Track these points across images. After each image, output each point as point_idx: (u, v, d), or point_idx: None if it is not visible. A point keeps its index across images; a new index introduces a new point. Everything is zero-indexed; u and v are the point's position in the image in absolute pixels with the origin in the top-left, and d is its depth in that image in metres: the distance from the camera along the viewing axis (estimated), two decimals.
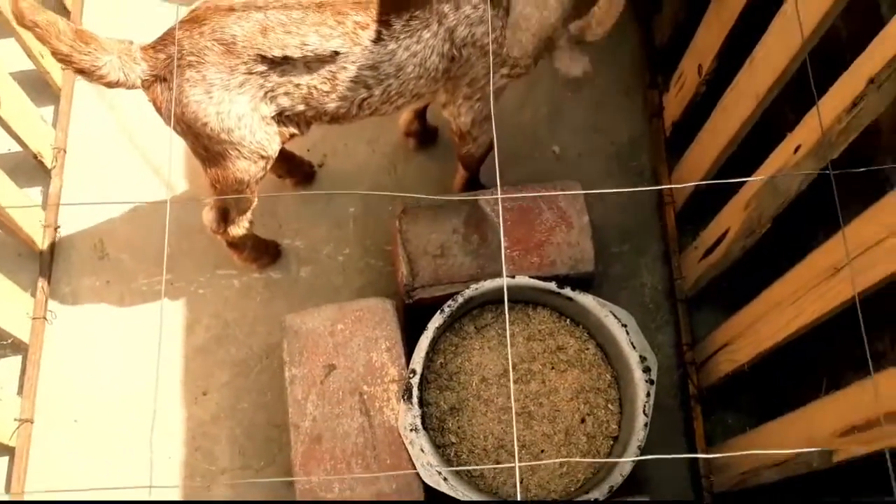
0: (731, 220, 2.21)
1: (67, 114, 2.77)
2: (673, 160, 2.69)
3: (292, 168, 2.67)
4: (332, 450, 2.16)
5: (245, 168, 2.09)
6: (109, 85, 1.90)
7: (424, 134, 2.75)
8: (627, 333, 2.26)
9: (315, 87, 1.99)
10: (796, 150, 1.82)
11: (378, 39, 1.94)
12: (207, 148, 2.04)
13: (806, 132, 1.78)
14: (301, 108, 2.04)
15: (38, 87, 2.76)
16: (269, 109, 2.01)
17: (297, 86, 1.98)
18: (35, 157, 2.61)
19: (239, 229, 2.34)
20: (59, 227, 2.65)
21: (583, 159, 2.81)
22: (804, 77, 1.72)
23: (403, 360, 2.24)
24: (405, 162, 2.79)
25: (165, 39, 1.91)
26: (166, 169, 2.75)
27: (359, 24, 1.92)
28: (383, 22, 1.93)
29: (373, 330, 2.27)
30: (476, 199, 2.38)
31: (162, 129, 2.69)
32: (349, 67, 1.96)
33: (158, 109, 1.97)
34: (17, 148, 2.61)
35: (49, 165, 2.67)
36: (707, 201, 2.44)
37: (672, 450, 2.48)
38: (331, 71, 1.96)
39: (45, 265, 2.59)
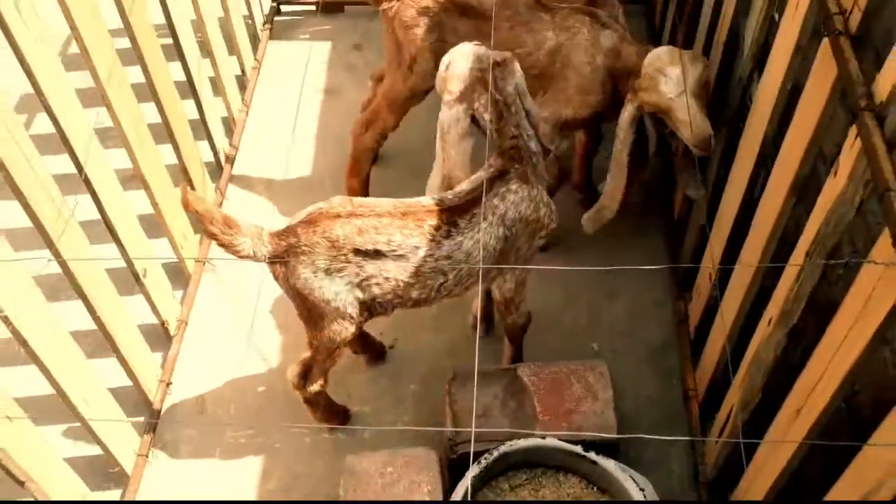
0: (733, 399, 2.54)
1: (193, 295, 3.43)
2: (697, 359, 3.07)
3: (367, 346, 3.18)
4: None
5: (337, 330, 2.61)
6: (242, 258, 2.49)
7: (487, 325, 3.26)
8: (644, 497, 2.53)
9: (401, 281, 2.54)
10: (769, 322, 2.22)
11: (448, 236, 2.52)
12: (310, 311, 2.59)
13: (773, 307, 2.19)
14: (389, 297, 2.59)
15: (176, 274, 3.44)
16: (364, 295, 2.55)
17: (387, 279, 2.53)
18: (163, 324, 3.23)
19: (315, 386, 2.82)
20: (171, 383, 3.19)
21: (618, 357, 3.21)
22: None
23: None
24: (465, 347, 3.26)
25: (287, 232, 2.51)
26: (263, 348, 3.31)
27: (433, 227, 2.51)
28: (451, 223, 2.53)
29: (417, 474, 2.62)
30: (515, 369, 2.81)
31: (263, 320, 3.33)
32: (428, 260, 2.53)
33: (276, 279, 2.57)
34: (150, 320, 3.25)
35: (172, 333, 3.27)
36: (723, 393, 2.78)
37: None
38: (413, 265, 2.53)
39: (155, 414, 3.09)
